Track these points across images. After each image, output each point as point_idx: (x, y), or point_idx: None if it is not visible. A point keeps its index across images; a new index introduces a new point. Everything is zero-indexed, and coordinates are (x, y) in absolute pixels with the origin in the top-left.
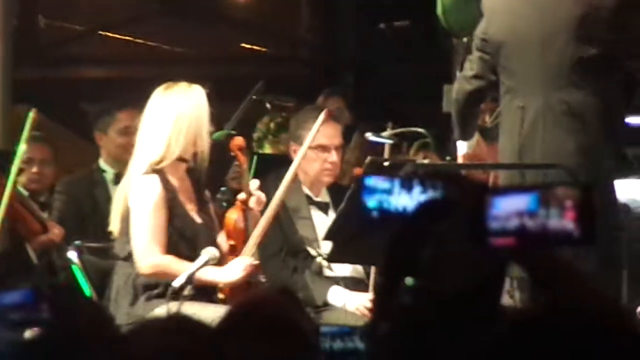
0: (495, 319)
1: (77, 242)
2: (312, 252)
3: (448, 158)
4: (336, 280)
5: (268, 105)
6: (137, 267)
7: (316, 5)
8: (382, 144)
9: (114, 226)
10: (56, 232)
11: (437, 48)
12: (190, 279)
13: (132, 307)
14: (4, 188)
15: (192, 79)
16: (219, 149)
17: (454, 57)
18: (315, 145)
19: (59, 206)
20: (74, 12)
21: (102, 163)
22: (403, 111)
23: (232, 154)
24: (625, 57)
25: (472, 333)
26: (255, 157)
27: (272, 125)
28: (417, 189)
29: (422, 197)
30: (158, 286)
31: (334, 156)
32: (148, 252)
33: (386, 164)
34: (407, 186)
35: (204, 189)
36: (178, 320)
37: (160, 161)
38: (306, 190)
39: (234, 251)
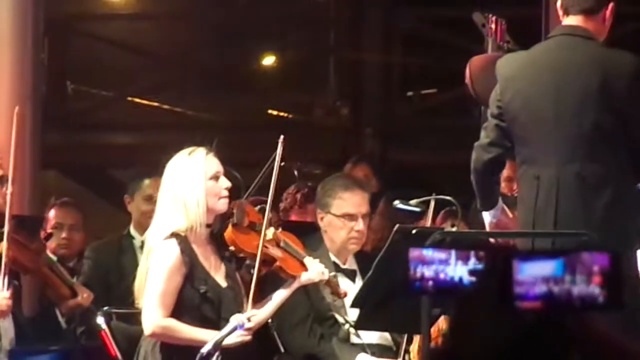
0: None
1: (105, 308)
2: (340, 319)
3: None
4: (363, 348)
5: (295, 173)
6: (143, 328)
7: (344, 73)
8: (410, 212)
9: (139, 293)
10: (85, 296)
11: (465, 116)
12: (217, 345)
13: None
14: (35, 253)
15: (218, 146)
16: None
17: (482, 124)
18: (342, 214)
19: (86, 271)
20: (102, 78)
21: (132, 229)
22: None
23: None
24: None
25: None
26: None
27: (298, 196)
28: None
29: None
30: (185, 353)
31: (360, 224)
32: (152, 314)
33: (414, 231)
34: (463, 257)
35: (231, 256)
36: None
37: (184, 229)
38: (333, 258)
39: None
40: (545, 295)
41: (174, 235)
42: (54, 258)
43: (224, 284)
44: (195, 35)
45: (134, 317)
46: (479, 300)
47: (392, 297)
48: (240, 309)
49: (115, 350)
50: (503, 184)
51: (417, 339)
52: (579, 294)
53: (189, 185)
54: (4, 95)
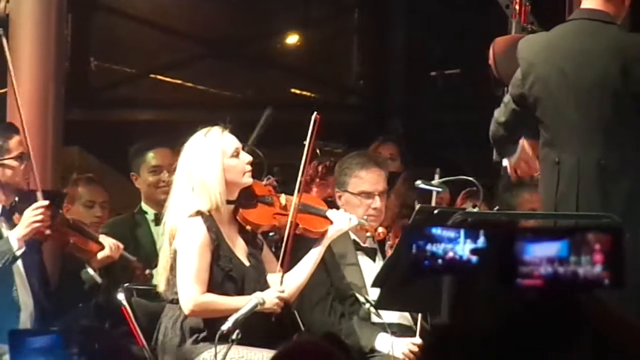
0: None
1: (126, 285)
2: (360, 298)
3: (497, 207)
4: (383, 327)
5: (318, 151)
6: (182, 306)
7: (367, 52)
8: (431, 192)
9: (161, 274)
10: (113, 247)
11: (487, 97)
12: (238, 323)
13: (179, 350)
14: (58, 227)
15: (240, 124)
16: None
17: None
18: (358, 192)
19: None
20: (125, 55)
21: (143, 204)
22: (452, 159)
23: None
24: None
25: None
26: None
27: (320, 168)
28: (482, 239)
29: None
30: (205, 329)
31: (377, 202)
32: (191, 292)
33: (435, 211)
34: (472, 236)
35: (254, 234)
36: None
37: (208, 208)
38: (353, 236)
39: None
40: (550, 276)
41: (199, 213)
42: None
43: (247, 262)
44: (218, 13)
45: (154, 294)
46: (480, 277)
47: (412, 277)
48: (262, 288)
49: (135, 326)
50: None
51: None
52: (584, 275)
53: (208, 166)
54: (28, 72)
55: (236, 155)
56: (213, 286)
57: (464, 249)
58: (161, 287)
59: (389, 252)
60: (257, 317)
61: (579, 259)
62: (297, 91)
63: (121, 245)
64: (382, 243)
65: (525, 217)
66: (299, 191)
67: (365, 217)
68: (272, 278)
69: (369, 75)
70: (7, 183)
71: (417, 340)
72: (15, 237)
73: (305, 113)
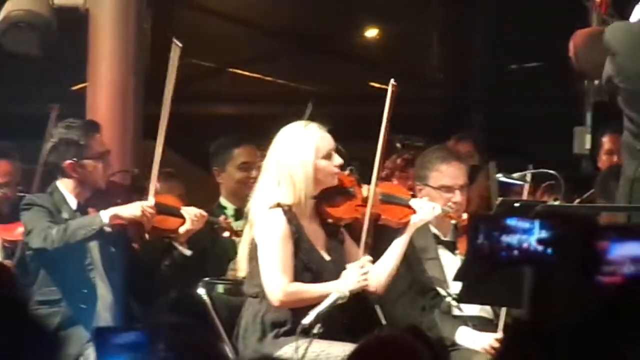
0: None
1: (206, 279)
2: (441, 292)
3: (577, 200)
4: (464, 320)
5: (398, 145)
6: (269, 298)
7: (447, 45)
8: (511, 185)
9: (241, 265)
10: (196, 218)
11: (568, 90)
12: (319, 317)
13: (260, 344)
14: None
15: (319, 118)
16: None
17: (585, 98)
18: (439, 186)
19: None
20: (204, 49)
21: (223, 200)
22: (533, 152)
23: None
24: None
25: None
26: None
27: (399, 161)
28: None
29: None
30: (286, 323)
31: (457, 196)
32: (278, 282)
33: (516, 204)
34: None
35: (336, 227)
36: None
37: (290, 202)
38: (434, 230)
39: None
40: (633, 275)
41: (279, 205)
42: None
43: (327, 257)
44: (299, 7)
45: (235, 289)
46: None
47: (493, 271)
48: None
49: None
50: (604, 157)
51: None
52: None
53: (299, 162)
54: (108, 67)
55: (329, 157)
56: (293, 276)
57: (539, 241)
58: (241, 272)
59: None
60: (339, 311)
61: None
62: (377, 85)
63: (204, 213)
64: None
65: (606, 209)
66: (377, 173)
67: (449, 203)
68: (351, 266)
69: (449, 68)
70: (85, 181)
71: (500, 335)
72: (108, 215)
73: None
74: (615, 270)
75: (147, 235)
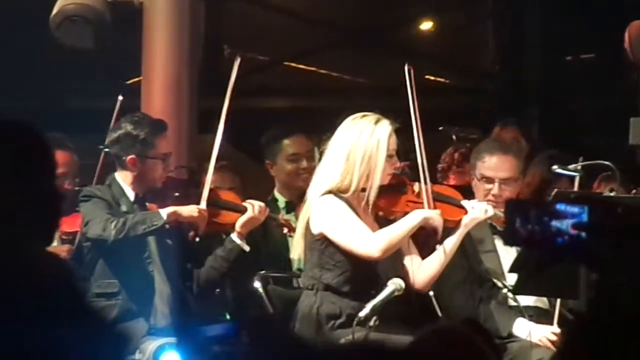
0: None
1: (262, 272)
2: (498, 283)
3: (634, 191)
4: (520, 310)
5: (453, 137)
6: (368, 254)
7: (502, 37)
8: (568, 177)
9: (295, 253)
10: (257, 210)
11: (623, 81)
12: (375, 309)
13: (316, 337)
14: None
15: (375, 110)
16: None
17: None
18: (480, 177)
19: None
20: (259, 42)
21: (276, 193)
22: (589, 144)
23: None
24: None
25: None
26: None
27: (456, 155)
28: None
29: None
30: (342, 315)
31: (496, 189)
32: (366, 238)
33: (572, 196)
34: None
35: (388, 221)
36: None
37: (340, 191)
38: (489, 220)
39: None
40: None
41: (332, 192)
42: None
43: None
44: (352, 0)
45: (290, 281)
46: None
47: (549, 263)
48: (397, 272)
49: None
50: None
51: None
52: None
53: (369, 154)
54: (162, 61)
55: (391, 156)
56: (345, 266)
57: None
58: (296, 260)
59: None
60: (395, 303)
61: None
62: (432, 77)
63: (266, 207)
64: None
65: None
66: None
67: (490, 196)
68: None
69: (504, 60)
70: (143, 177)
71: (556, 329)
72: (167, 212)
73: (440, 99)
74: None
75: (197, 237)
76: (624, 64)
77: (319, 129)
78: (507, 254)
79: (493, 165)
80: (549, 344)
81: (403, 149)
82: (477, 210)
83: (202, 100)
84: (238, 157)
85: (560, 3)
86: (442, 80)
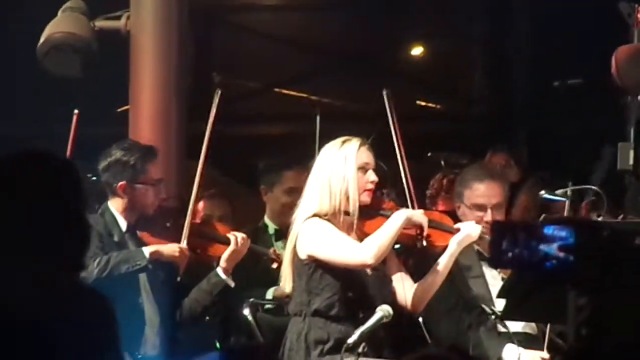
0: None
1: (251, 300)
2: (486, 309)
3: (621, 216)
4: (510, 337)
5: (442, 163)
6: (363, 263)
7: (490, 62)
8: (553, 201)
9: (285, 282)
10: (241, 241)
11: (610, 105)
12: (364, 335)
13: None
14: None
15: (365, 136)
16: None
17: (627, 114)
18: (471, 204)
19: None
20: (248, 69)
21: (266, 219)
22: (576, 168)
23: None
24: None
25: None
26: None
27: (445, 182)
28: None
29: None
30: (330, 340)
31: (489, 215)
32: (356, 249)
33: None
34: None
35: None
36: None
37: (319, 212)
38: (477, 247)
39: None
40: None
41: (316, 215)
42: None
43: (368, 271)
44: (342, 25)
45: (279, 309)
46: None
47: (537, 287)
48: (385, 297)
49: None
50: None
51: None
52: None
53: (338, 172)
54: (150, 88)
55: (363, 170)
56: (333, 289)
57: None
58: (287, 288)
59: None
60: (383, 329)
61: None
62: (422, 103)
63: (248, 238)
64: None
65: None
66: (409, 195)
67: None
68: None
69: (493, 85)
70: (134, 204)
71: (545, 354)
72: (149, 251)
73: (431, 124)
74: None
75: (178, 276)
76: (611, 88)
77: (310, 154)
78: (495, 280)
79: (484, 192)
80: None
81: (392, 175)
82: (469, 228)
83: (192, 126)
84: (227, 184)
85: (547, 28)
86: (432, 105)
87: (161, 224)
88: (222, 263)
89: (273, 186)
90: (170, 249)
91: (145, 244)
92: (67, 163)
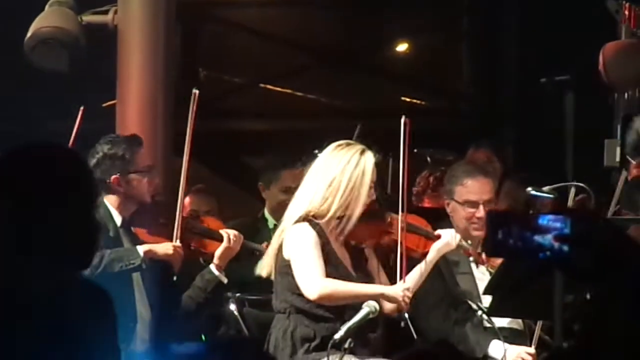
0: None
1: (237, 294)
2: (473, 305)
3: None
4: (496, 332)
5: (428, 159)
6: (306, 293)
7: (477, 58)
8: (541, 198)
9: (264, 271)
10: (233, 239)
11: (598, 103)
12: (350, 332)
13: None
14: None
15: (350, 132)
16: None
17: (615, 111)
18: (463, 201)
19: None
20: (234, 64)
21: (266, 212)
22: (563, 165)
23: None
24: None
25: None
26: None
27: (431, 179)
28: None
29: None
30: (316, 338)
31: (481, 211)
32: (313, 278)
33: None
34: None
35: (360, 249)
36: None
37: (316, 216)
38: (464, 244)
39: None
40: None
41: (307, 220)
42: None
43: (354, 274)
44: (328, 22)
45: (266, 304)
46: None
47: (524, 284)
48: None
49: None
50: (634, 170)
51: None
52: None
53: (353, 184)
54: (136, 82)
55: (371, 188)
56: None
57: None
58: (263, 273)
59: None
60: (370, 326)
61: None
62: (408, 99)
63: (241, 235)
64: None
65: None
66: (402, 206)
67: (469, 241)
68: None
69: (480, 82)
70: (131, 196)
71: (532, 350)
72: (143, 250)
73: (417, 121)
74: None
75: (174, 276)
76: (598, 85)
77: (294, 151)
78: (482, 275)
79: (477, 188)
80: None
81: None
82: (449, 236)
83: (176, 122)
84: (214, 180)
85: (535, 25)
86: (418, 102)
87: (155, 220)
88: (215, 260)
89: (270, 184)
90: (164, 248)
91: (140, 240)
92: (82, 159)
